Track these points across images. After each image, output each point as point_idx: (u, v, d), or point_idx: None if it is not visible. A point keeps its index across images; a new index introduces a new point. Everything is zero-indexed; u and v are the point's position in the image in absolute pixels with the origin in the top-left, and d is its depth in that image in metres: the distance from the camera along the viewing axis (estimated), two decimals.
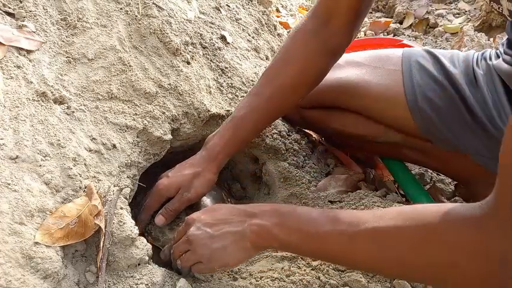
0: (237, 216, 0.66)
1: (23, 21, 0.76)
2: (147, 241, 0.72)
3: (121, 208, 0.69)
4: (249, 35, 1.20)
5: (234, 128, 0.82)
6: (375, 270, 0.59)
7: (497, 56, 0.81)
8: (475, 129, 0.80)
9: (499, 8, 0.59)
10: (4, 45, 0.71)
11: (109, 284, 0.63)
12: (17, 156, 0.62)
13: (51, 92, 0.73)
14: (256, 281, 0.73)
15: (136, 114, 0.82)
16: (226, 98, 1.00)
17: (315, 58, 0.82)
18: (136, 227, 0.69)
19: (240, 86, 1.03)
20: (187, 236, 0.68)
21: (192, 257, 0.67)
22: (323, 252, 0.59)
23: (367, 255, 0.55)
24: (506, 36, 0.77)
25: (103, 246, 0.64)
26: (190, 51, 0.97)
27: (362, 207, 0.82)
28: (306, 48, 0.82)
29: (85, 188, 0.68)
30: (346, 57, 0.92)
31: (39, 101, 0.70)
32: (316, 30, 0.81)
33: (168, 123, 0.86)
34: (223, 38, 1.08)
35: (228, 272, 0.77)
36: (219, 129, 0.84)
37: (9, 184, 0.59)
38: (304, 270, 0.74)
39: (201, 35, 1.03)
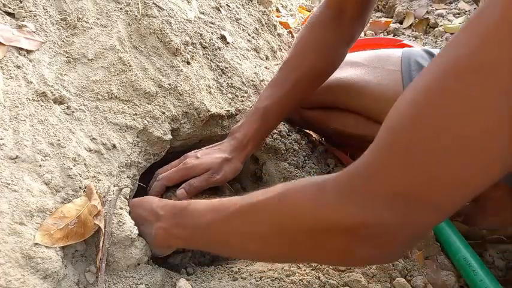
0: (149, 216, 0.70)
1: (23, 21, 0.76)
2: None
3: (121, 208, 0.69)
4: (249, 35, 1.20)
5: (261, 119, 0.85)
6: (247, 252, 0.58)
7: None
8: None
9: None
10: (4, 45, 0.71)
11: (109, 284, 0.63)
12: (16, 156, 0.62)
13: (51, 92, 0.73)
14: (256, 281, 0.73)
15: (136, 114, 0.82)
16: (226, 98, 1.00)
17: (332, 48, 0.86)
18: (136, 227, 0.69)
19: (240, 86, 1.03)
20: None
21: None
22: (212, 242, 0.61)
23: (237, 234, 0.55)
24: None
25: (102, 246, 0.64)
26: (190, 51, 0.97)
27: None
28: (322, 39, 0.85)
29: (85, 188, 0.68)
30: (346, 57, 0.92)
31: (39, 101, 0.70)
32: (330, 21, 0.84)
33: (168, 123, 0.86)
34: (223, 38, 1.08)
35: (228, 272, 0.77)
36: (244, 121, 0.87)
37: (9, 184, 0.59)
38: (304, 270, 0.74)
39: (201, 35, 1.03)
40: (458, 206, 0.40)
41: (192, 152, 0.86)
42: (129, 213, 0.73)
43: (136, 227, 0.69)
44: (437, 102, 0.37)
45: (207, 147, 0.87)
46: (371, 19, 2.07)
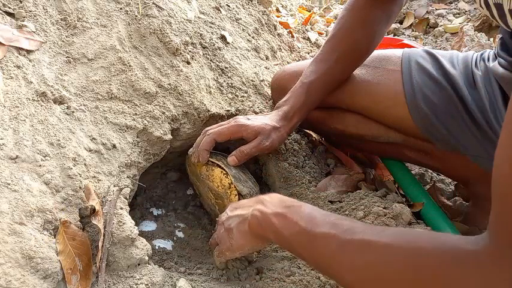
0: (250, 202, 0.69)
1: (23, 21, 0.76)
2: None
3: (121, 208, 0.69)
4: (249, 35, 1.20)
5: (307, 93, 0.88)
6: (355, 284, 0.53)
7: (495, 57, 0.81)
8: (473, 130, 0.80)
9: (490, 14, 0.60)
10: (4, 45, 0.71)
11: (109, 284, 0.63)
12: (16, 156, 0.62)
13: (51, 92, 0.73)
14: (256, 281, 0.73)
15: (136, 114, 0.82)
16: (226, 98, 1.00)
17: (374, 25, 0.88)
18: (136, 227, 0.69)
19: (240, 86, 1.03)
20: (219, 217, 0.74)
21: (214, 241, 0.73)
22: (311, 252, 0.56)
23: (352, 266, 0.51)
24: (501, 35, 0.77)
25: (102, 246, 0.64)
26: (190, 51, 0.97)
27: (362, 207, 0.82)
28: (365, 16, 0.88)
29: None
30: None
31: (39, 101, 0.70)
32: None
33: (168, 123, 0.86)
34: (223, 38, 1.08)
35: (227, 272, 0.77)
36: (290, 95, 0.89)
37: (9, 184, 0.59)
38: (304, 270, 0.74)
39: (201, 35, 1.03)
40: None
41: (241, 116, 0.88)
42: (225, 211, 0.73)
43: (136, 227, 0.69)
44: None
45: (254, 115, 0.90)
46: None
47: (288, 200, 0.64)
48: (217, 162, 0.85)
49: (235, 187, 0.82)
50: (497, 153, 0.40)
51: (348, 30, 0.89)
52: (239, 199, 0.82)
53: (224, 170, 0.83)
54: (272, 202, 0.63)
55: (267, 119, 0.86)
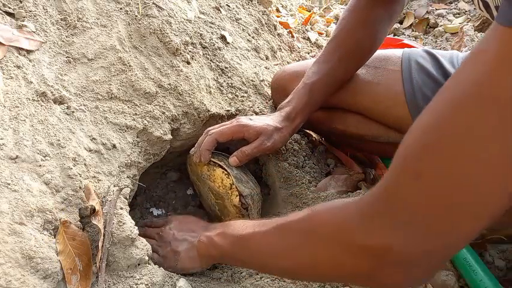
0: (199, 229, 0.75)
1: (23, 21, 0.76)
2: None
3: (121, 208, 0.69)
4: (249, 35, 1.20)
5: (309, 94, 0.88)
6: (276, 267, 0.58)
7: None
8: None
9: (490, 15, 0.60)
10: (4, 45, 0.71)
11: (109, 284, 0.63)
12: (16, 156, 0.62)
13: (51, 92, 0.73)
14: (256, 281, 0.73)
15: (136, 114, 0.82)
16: (226, 98, 1.00)
17: (376, 24, 0.88)
18: (136, 228, 0.69)
19: (240, 86, 1.03)
20: (161, 229, 0.80)
21: (154, 247, 0.76)
22: (247, 255, 0.62)
23: (271, 248, 0.56)
24: None
25: (102, 246, 0.64)
26: (190, 51, 0.97)
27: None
28: (368, 16, 0.87)
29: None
30: None
31: (39, 101, 0.70)
32: None
33: (168, 123, 0.86)
34: (223, 38, 1.08)
35: (228, 273, 0.77)
36: (293, 96, 0.89)
37: (9, 184, 0.59)
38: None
39: (201, 35, 1.03)
40: (474, 232, 0.40)
41: (243, 116, 0.89)
42: (169, 225, 0.79)
43: (136, 227, 0.69)
44: (445, 132, 0.38)
45: (256, 116, 0.90)
46: None
47: (230, 222, 0.70)
48: (218, 162, 0.85)
49: (236, 188, 0.82)
50: (424, 112, 0.41)
51: (350, 30, 0.89)
52: (240, 200, 0.82)
53: (226, 170, 0.83)
54: (214, 226, 0.72)
55: (269, 120, 0.86)
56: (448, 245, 0.41)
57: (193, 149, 0.87)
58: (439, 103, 0.40)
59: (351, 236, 0.45)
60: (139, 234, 0.70)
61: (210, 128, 0.85)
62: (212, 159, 0.85)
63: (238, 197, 0.82)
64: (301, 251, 0.52)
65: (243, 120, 0.84)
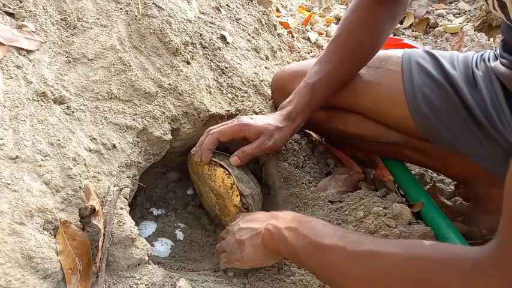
0: (263, 217, 0.71)
1: (23, 21, 0.76)
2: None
3: (121, 208, 0.69)
4: (249, 35, 1.20)
5: (310, 93, 0.87)
6: None
7: (496, 58, 0.81)
8: (475, 130, 0.80)
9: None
10: (4, 45, 0.71)
11: (109, 284, 0.63)
12: (17, 156, 0.62)
13: (51, 92, 0.73)
14: (256, 281, 0.73)
15: (136, 114, 0.82)
16: (226, 98, 1.00)
17: (379, 24, 0.88)
18: (136, 227, 0.69)
19: (240, 86, 1.03)
20: (229, 225, 0.77)
21: (222, 245, 0.74)
22: (319, 263, 0.57)
23: (358, 276, 0.52)
24: (502, 37, 0.77)
25: (102, 246, 0.64)
26: (190, 51, 0.97)
27: (362, 207, 0.82)
28: (369, 16, 0.87)
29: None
30: None
31: (39, 101, 0.70)
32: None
33: (168, 123, 0.86)
34: (223, 38, 1.08)
35: (228, 273, 0.77)
36: (294, 96, 0.88)
37: (9, 184, 0.59)
38: (305, 270, 0.74)
39: (201, 35, 1.03)
40: None
41: (244, 116, 0.89)
42: (236, 220, 0.77)
43: (136, 227, 0.69)
44: None
45: (258, 115, 0.90)
46: None
47: (301, 216, 0.67)
48: (219, 162, 0.85)
49: (237, 187, 0.82)
50: None
51: (351, 30, 0.89)
52: (241, 200, 0.82)
53: (227, 170, 0.83)
54: (285, 218, 0.66)
55: (270, 119, 0.86)
56: None
57: (194, 148, 0.87)
58: None
59: None
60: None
61: (211, 128, 0.85)
62: (213, 159, 0.85)
63: (239, 196, 0.82)
64: None
65: (244, 119, 0.84)
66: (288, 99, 0.89)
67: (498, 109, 0.77)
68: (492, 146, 0.78)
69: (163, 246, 0.87)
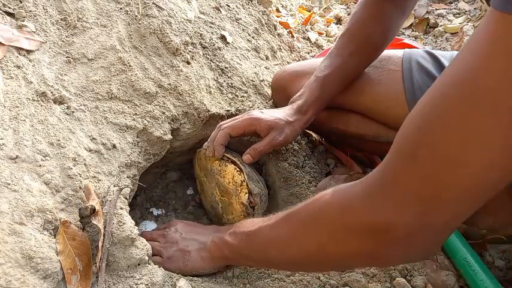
0: (207, 231, 0.76)
1: (23, 21, 0.76)
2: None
3: (121, 208, 0.69)
4: (249, 35, 1.20)
5: (320, 87, 0.87)
6: (284, 259, 0.59)
7: None
8: None
9: None
10: (4, 45, 0.71)
11: (109, 284, 0.63)
12: (16, 156, 0.62)
13: (51, 92, 0.73)
14: (256, 281, 0.73)
15: (136, 114, 0.82)
16: (226, 98, 1.00)
17: (388, 19, 0.88)
18: (136, 227, 0.69)
19: (240, 86, 1.03)
20: (165, 231, 0.79)
21: (156, 248, 0.75)
22: (255, 250, 0.62)
23: (279, 239, 0.57)
24: None
25: (102, 246, 0.64)
26: (190, 51, 0.97)
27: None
28: (378, 10, 0.87)
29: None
30: None
31: (39, 101, 0.70)
32: None
33: (168, 123, 0.86)
34: (223, 38, 1.08)
35: (228, 273, 0.77)
36: (304, 90, 0.88)
37: (9, 184, 0.59)
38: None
39: (201, 35, 1.03)
40: (469, 211, 0.42)
41: (254, 110, 0.88)
42: (174, 227, 0.79)
43: (136, 227, 0.69)
44: (439, 114, 0.40)
45: (267, 109, 0.90)
46: None
47: (241, 221, 0.71)
48: (232, 158, 0.85)
49: (247, 185, 0.82)
50: (422, 97, 0.43)
51: (361, 25, 0.89)
52: (249, 198, 0.82)
53: (238, 166, 0.84)
54: (226, 227, 0.72)
55: (281, 113, 0.86)
56: (445, 222, 0.43)
57: (205, 143, 0.88)
58: (435, 88, 0.42)
59: (354, 216, 0.47)
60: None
61: (222, 123, 0.86)
62: (226, 154, 0.85)
63: (247, 194, 0.82)
64: (307, 236, 0.53)
65: (255, 113, 0.84)
66: (298, 93, 0.89)
67: None
68: None
69: None
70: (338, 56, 0.89)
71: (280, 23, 1.52)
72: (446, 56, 0.88)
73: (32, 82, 0.71)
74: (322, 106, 0.89)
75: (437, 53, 0.88)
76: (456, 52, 0.91)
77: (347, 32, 0.90)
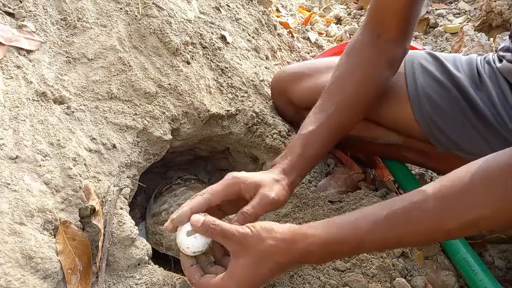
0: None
1: (23, 21, 0.76)
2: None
3: (121, 208, 0.69)
4: (249, 35, 1.20)
5: (304, 145, 0.77)
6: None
7: (500, 60, 0.82)
8: (481, 129, 0.80)
9: None
10: (4, 45, 0.71)
11: (109, 284, 0.63)
12: (17, 156, 0.62)
13: (51, 92, 0.73)
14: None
15: (136, 114, 0.82)
16: (226, 98, 1.00)
17: (374, 69, 0.81)
18: (137, 227, 0.69)
19: (240, 86, 1.03)
20: None
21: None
22: (397, 229, 0.55)
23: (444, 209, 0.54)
24: (506, 38, 0.78)
25: (102, 246, 0.64)
26: (190, 51, 0.97)
27: (362, 207, 0.82)
28: (364, 60, 0.81)
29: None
30: None
31: (39, 101, 0.70)
32: (371, 42, 0.81)
33: (168, 123, 0.86)
34: (223, 38, 1.08)
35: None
36: (286, 150, 0.78)
37: (9, 184, 0.59)
38: (305, 270, 0.74)
39: (201, 35, 1.03)
40: None
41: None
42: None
43: (136, 227, 0.69)
44: None
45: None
46: None
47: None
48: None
49: None
50: None
51: (345, 77, 0.82)
52: None
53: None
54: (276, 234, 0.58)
55: (265, 173, 0.74)
56: None
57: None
58: None
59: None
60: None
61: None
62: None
63: None
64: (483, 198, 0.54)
65: (236, 173, 0.69)
66: (281, 155, 0.79)
67: (507, 106, 0.77)
68: (500, 145, 0.78)
69: None
70: (321, 112, 0.80)
71: (280, 23, 1.52)
72: (449, 58, 0.88)
73: (32, 82, 0.71)
74: (307, 166, 0.78)
75: (440, 55, 0.88)
76: (458, 54, 0.91)
77: (329, 88, 0.82)
